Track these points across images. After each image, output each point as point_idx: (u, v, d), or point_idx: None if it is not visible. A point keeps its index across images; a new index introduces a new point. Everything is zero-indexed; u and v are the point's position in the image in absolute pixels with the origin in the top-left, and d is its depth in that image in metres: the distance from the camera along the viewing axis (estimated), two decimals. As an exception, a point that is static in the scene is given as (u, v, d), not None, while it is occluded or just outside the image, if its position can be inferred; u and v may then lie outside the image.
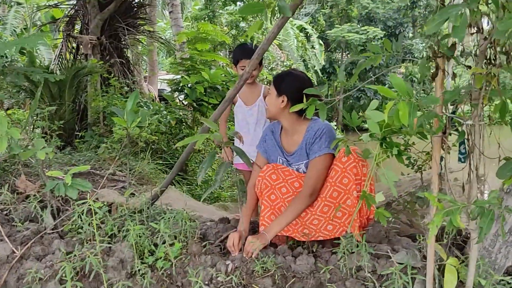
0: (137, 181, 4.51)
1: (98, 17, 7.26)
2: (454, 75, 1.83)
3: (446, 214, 1.45)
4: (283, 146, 2.84)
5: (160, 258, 2.36)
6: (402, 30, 25.22)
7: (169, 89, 8.48)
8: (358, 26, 24.92)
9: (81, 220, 2.70)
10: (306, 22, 24.68)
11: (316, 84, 19.12)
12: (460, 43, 1.86)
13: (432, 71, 1.81)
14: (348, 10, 26.47)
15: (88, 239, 2.69)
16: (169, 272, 2.34)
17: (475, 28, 1.71)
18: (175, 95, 7.80)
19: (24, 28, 19.22)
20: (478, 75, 1.72)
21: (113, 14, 7.44)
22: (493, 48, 1.71)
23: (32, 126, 7.38)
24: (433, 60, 1.81)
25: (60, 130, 5.93)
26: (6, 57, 15.33)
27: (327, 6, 26.91)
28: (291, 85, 2.66)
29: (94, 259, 2.21)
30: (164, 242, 2.46)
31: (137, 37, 8.40)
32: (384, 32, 24.04)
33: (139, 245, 2.46)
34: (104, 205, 2.81)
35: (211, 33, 9.38)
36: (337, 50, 26.27)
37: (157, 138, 5.40)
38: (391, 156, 2.20)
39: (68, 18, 7.82)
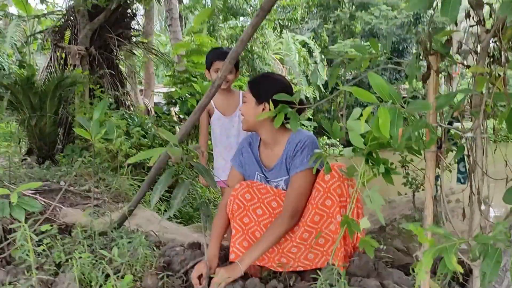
0: (113, 198, 4.17)
1: (87, 27, 6.99)
2: (449, 77, 1.49)
3: (439, 252, 1.11)
4: (261, 160, 2.50)
5: (108, 292, 2.01)
6: (405, 46, 24.92)
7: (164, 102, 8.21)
8: (361, 41, 24.66)
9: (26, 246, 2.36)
10: (308, 38, 24.45)
11: (318, 99, 18.81)
12: (457, 39, 1.52)
13: (423, 72, 1.48)
14: (351, 26, 26.25)
15: (36, 266, 2.35)
16: (120, 309, 2.00)
17: (475, 18, 1.38)
18: (165, 108, 7.50)
19: (25, 42, 19.05)
20: (480, 76, 1.39)
21: (103, 24, 7.17)
22: (497, 42, 1.38)
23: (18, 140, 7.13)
24: (424, 58, 1.48)
25: (40, 143, 5.65)
26: (4, 69, 15.17)
27: (330, 21, 26.70)
28: (271, 90, 2.27)
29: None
30: (116, 273, 2.12)
31: (130, 48, 8.11)
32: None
33: (86, 276, 2.11)
34: (52, 227, 2.48)
35: (208, 45, 9.11)
36: (340, 66, 25.94)
37: (136, 151, 5.05)
38: (378, 174, 1.87)
39: (57, 28, 7.55)
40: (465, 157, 1.65)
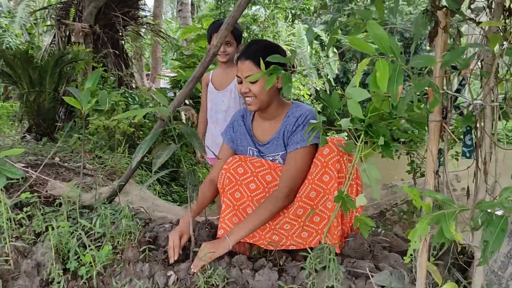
0: (107, 176, 4.07)
1: (92, 4, 6.88)
2: (459, 35, 1.36)
3: (436, 220, 0.98)
4: (254, 134, 2.36)
5: (85, 264, 1.90)
6: (419, 43, 24.62)
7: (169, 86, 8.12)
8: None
9: (8, 213, 2.27)
10: (321, 30, 24.18)
11: (329, 92, 18.62)
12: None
13: (430, 30, 1.34)
14: (365, 19, 25.93)
15: (14, 235, 2.25)
16: (96, 282, 1.88)
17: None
18: (169, 93, 7.39)
19: (34, 23, 19.01)
20: (493, 34, 1.25)
21: (109, 2, 7.06)
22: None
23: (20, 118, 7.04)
24: (432, 15, 1.34)
25: (39, 120, 5.56)
26: (12, 49, 15.08)
27: (344, 14, 26.42)
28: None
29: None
30: (97, 246, 2.01)
31: (136, 29, 7.99)
32: (401, 43, 23.44)
33: (64, 246, 2.00)
34: (32, 196, 2.38)
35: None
36: (352, 60, 25.72)
37: (135, 130, 4.94)
38: (378, 148, 1.74)
39: (61, 5, 7.45)
40: (472, 130, 1.51)
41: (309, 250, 1.79)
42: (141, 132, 5.20)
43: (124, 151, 4.65)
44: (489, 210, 0.95)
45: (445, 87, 1.46)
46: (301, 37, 20.31)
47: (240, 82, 2.20)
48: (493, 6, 1.31)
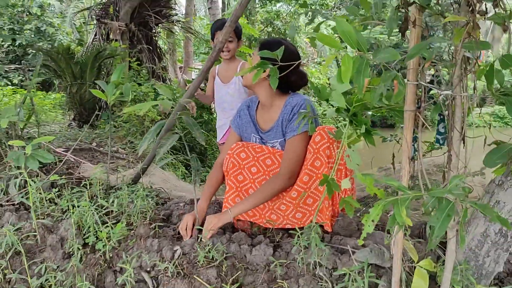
0: (137, 159, 4.11)
1: (128, 4, 6.91)
2: (427, 27, 1.29)
3: (390, 204, 0.94)
4: (258, 122, 2.34)
5: (102, 239, 1.93)
6: (432, 34, 23.91)
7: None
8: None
9: (40, 194, 2.32)
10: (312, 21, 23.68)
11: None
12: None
13: (400, 25, 1.29)
14: (382, 13, 25.35)
15: (46, 213, 2.30)
16: (111, 255, 1.91)
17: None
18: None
19: (83, 22, 19.20)
20: (458, 28, 1.19)
21: (142, 2, 7.08)
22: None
23: (67, 107, 7.16)
24: (404, 10, 1.28)
25: (81, 109, 5.65)
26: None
27: (361, 7, 25.80)
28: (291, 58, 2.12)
29: (14, 237, 1.80)
30: (115, 223, 2.04)
31: (167, 26, 8.00)
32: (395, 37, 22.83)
33: (85, 223, 2.03)
34: (62, 178, 2.42)
35: (243, 27, 8.92)
36: (369, 51, 25.22)
37: (163, 118, 4.97)
38: (360, 136, 1.69)
39: (101, 5, 7.50)
40: (445, 118, 1.45)
41: (297, 229, 1.77)
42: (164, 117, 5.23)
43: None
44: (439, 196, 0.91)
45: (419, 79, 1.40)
46: (321, 30, 20.00)
47: None
48: (460, 2, 1.24)
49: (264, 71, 2.13)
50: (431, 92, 1.50)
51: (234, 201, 2.19)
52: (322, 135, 2.00)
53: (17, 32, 15.26)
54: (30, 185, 2.08)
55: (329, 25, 21.51)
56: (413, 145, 1.52)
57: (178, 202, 2.67)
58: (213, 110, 6.93)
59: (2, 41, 14.89)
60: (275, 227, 2.14)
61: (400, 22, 1.28)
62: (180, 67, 12.41)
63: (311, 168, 2.04)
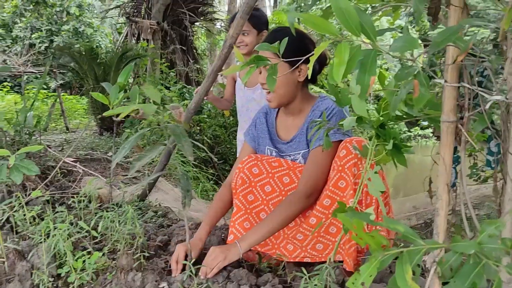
0: (153, 171, 3.97)
1: (160, 1, 6.90)
2: (466, 8, 1.03)
3: (388, 261, 0.69)
4: (277, 132, 2.12)
5: (76, 269, 1.76)
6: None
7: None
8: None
9: (22, 211, 2.20)
10: (406, 22, 23.06)
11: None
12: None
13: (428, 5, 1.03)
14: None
15: (27, 234, 2.18)
16: (86, 290, 1.74)
17: None
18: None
19: (123, 23, 19.67)
20: (508, 8, 0.92)
21: (176, -1, 7.06)
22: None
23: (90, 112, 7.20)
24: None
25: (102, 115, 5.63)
26: (101, 48, 15.75)
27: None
28: (306, 47, 1.93)
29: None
30: (99, 249, 1.88)
31: (204, 25, 7.94)
32: (494, 34, 21.77)
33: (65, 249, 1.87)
34: (45, 195, 2.30)
35: (286, 23, 8.74)
36: (439, 53, 24.30)
37: (191, 126, 4.82)
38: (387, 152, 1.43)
39: (132, 3, 7.55)
40: (495, 133, 1.18)
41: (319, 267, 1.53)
42: (198, 128, 5.09)
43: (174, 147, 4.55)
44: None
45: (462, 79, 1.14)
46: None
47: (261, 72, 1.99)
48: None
49: (299, 73, 1.94)
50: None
51: (242, 225, 1.97)
52: (348, 149, 1.75)
53: (55, 33, 15.85)
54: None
55: (393, 24, 21.08)
56: (454, 167, 1.25)
57: (183, 225, 2.48)
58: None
59: (39, 43, 15.50)
60: (291, 260, 1.89)
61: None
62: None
63: (333, 189, 1.79)
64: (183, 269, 1.79)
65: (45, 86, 14.67)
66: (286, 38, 1.35)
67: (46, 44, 15.40)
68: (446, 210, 1.21)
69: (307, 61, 1.84)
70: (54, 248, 1.86)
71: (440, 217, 1.19)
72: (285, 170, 2.00)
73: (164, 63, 6.00)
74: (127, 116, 5.32)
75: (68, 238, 1.86)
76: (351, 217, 1.40)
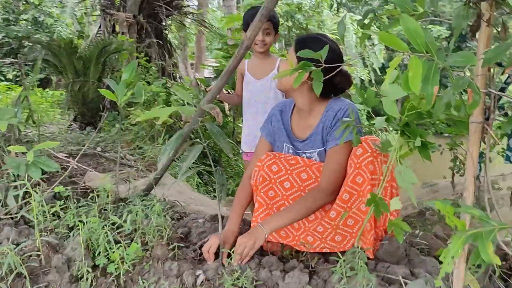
0: (147, 167, 4.08)
1: (136, -7, 6.92)
2: (504, 29, 1.23)
3: (472, 238, 0.88)
4: (293, 130, 2.29)
5: (114, 261, 1.89)
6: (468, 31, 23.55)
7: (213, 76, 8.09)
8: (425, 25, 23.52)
9: (43, 206, 2.28)
10: (368, 19, 23.57)
11: (374, 83, 18.23)
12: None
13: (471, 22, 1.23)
14: (413, 8, 25.10)
15: (49, 228, 2.27)
16: (125, 280, 1.87)
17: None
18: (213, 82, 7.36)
19: (85, 13, 19.34)
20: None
21: (152, -9, 7.10)
22: None
23: (67, 106, 7.18)
24: (475, 6, 1.22)
25: (83, 109, 5.66)
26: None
27: (392, 2, 25.64)
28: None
29: (16, 258, 1.77)
30: (127, 241, 2.00)
31: (179, 18, 8.00)
32: (450, 32, 22.55)
33: (95, 242, 1.99)
34: (67, 190, 2.39)
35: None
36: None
37: (175, 121, 4.94)
38: (414, 149, 1.63)
39: (106, -6, 7.53)
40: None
41: (339, 254, 1.71)
42: (182, 122, 5.19)
43: (165, 142, 4.66)
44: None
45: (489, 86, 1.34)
46: (347, 26, 19.88)
47: None
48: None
49: (307, 74, 2.08)
50: (501, 101, 1.44)
51: (264, 219, 2.13)
52: (364, 147, 1.94)
53: (12, 23, 15.43)
54: (34, 197, 2.04)
55: (355, 20, 21.49)
56: (479, 162, 1.46)
57: (196, 218, 2.62)
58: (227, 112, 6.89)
59: (-5, 33, 15.07)
60: (311, 250, 2.07)
61: (472, 20, 1.22)
62: (192, 64, 12.43)
63: (351, 185, 1.98)
64: (215, 259, 1.95)
65: (2, 78, 14.34)
66: (327, 46, 1.53)
67: (3, 34, 14.97)
68: (472, 198, 1.42)
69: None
70: (88, 240, 1.98)
71: (467, 203, 1.40)
72: (303, 167, 2.17)
73: (143, 57, 6.06)
74: (112, 110, 5.38)
75: (102, 231, 1.98)
76: (381, 206, 1.60)
